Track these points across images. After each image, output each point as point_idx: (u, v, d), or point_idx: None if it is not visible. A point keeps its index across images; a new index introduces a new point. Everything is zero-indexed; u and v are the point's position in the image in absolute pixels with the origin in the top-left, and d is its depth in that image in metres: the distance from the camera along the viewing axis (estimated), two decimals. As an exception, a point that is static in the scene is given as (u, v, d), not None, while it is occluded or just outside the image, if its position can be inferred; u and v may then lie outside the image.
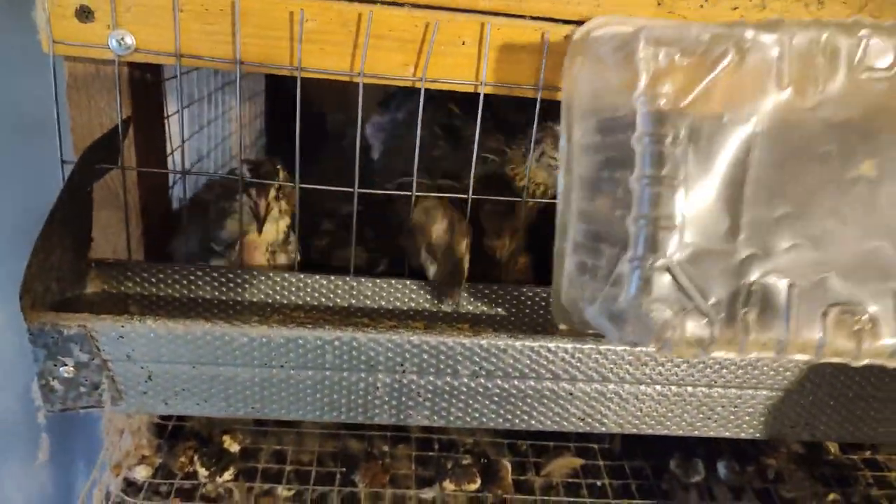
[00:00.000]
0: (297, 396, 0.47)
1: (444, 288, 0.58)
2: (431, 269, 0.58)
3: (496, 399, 0.49)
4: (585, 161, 0.49)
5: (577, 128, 0.49)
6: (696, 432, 0.52)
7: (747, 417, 0.52)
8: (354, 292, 0.57)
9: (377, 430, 0.66)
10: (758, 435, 0.52)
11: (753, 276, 0.44)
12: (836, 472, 0.69)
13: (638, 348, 0.48)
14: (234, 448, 0.61)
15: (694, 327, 0.43)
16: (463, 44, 0.51)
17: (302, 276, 0.57)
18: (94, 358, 0.44)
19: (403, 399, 0.48)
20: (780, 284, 0.44)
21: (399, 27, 0.50)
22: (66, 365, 0.44)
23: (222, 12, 0.49)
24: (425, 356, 0.47)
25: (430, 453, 0.64)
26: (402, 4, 0.50)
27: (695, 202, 0.43)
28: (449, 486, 0.59)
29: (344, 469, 0.60)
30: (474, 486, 0.60)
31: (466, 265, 0.57)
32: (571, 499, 0.60)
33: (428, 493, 0.58)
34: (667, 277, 0.43)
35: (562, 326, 0.52)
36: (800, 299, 0.44)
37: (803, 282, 0.44)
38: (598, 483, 0.63)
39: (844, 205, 0.45)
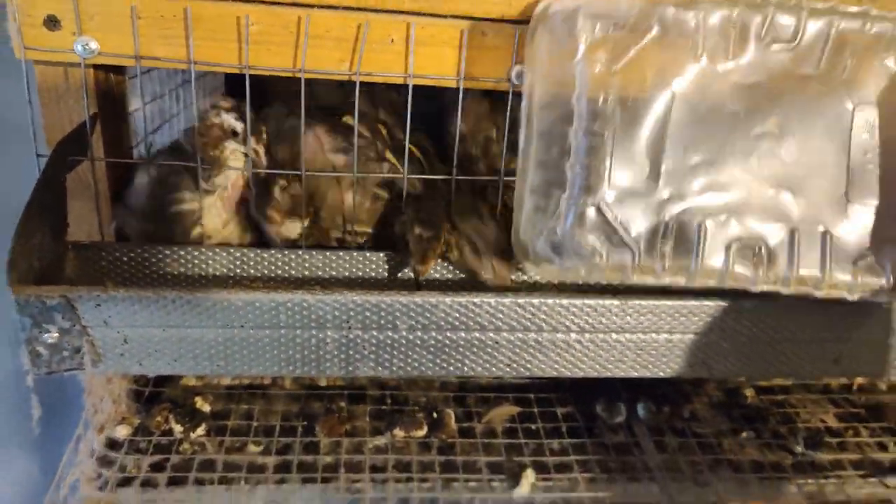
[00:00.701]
0: (256, 354, 0.54)
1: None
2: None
3: (432, 349, 0.56)
4: (543, 117, 0.54)
5: (537, 88, 0.55)
6: (609, 373, 0.59)
7: (651, 358, 0.59)
8: (307, 264, 0.64)
9: (337, 391, 0.73)
10: (661, 374, 0.60)
11: (670, 214, 0.52)
12: (749, 413, 0.77)
13: (551, 300, 0.56)
14: (206, 408, 0.68)
15: (619, 256, 0.52)
16: (392, 42, 0.58)
17: (259, 250, 0.63)
18: (75, 325, 0.50)
19: (351, 353, 0.55)
20: (693, 221, 0.52)
21: (335, 28, 0.57)
22: (49, 332, 0.49)
23: (176, 18, 0.55)
24: (368, 313, 0.53)
25: (384, 407, 0.71)
26: (336, 7, 0.57)
27: (623, 152, 0.51)
28: (399, 433, 0.66)
29: (305, 423, 0.67)
30: (422, 433, 0.67)
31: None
32: (509, 441, 0.68)
33: (380, 440, 0.66)
34: (597, 214, 0.51)
35: (524, 265, 0.58)
36: (708, 234, 0.52)
37: (711, 220, 0.53)
38: (533, 427, 0.70)
39: (750, 156, 0.53)
